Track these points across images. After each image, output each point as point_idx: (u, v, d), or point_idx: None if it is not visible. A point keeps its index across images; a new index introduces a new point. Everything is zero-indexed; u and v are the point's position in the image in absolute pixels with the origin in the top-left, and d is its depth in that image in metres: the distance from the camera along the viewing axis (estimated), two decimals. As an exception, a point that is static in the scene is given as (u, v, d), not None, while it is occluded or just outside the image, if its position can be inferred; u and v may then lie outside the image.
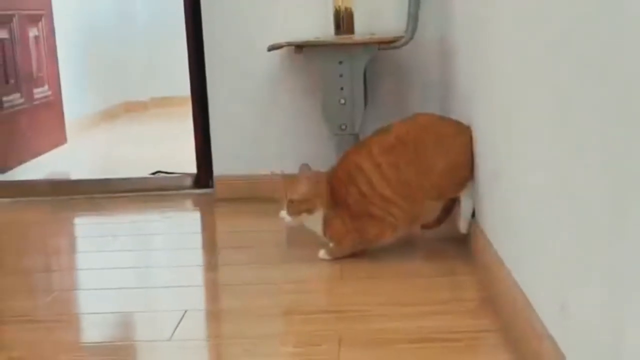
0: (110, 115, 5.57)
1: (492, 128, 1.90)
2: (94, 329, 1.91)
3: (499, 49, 1.78)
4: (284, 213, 2.18)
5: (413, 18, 2.67)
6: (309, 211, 2.18)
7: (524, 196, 1.54)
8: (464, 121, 2.19)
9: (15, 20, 3.90)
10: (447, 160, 2.13)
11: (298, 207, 2.17)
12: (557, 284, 1.31)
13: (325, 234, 2.21)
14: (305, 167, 2.20)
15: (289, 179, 2.20)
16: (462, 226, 2.20)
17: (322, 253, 2.22)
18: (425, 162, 2.13)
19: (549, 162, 1.34)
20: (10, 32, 3.83)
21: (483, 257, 1.97)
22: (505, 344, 1.60)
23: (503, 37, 1.73)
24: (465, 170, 2.14)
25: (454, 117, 2.28)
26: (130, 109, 5.86)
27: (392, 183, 2.13)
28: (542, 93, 1.38)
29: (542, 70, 1.37)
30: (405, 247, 2.24)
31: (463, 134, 2.15)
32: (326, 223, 2.20)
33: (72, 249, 2.72)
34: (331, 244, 2.22)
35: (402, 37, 2.69)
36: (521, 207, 1.58)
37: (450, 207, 2.28)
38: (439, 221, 2.32)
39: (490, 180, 1.95)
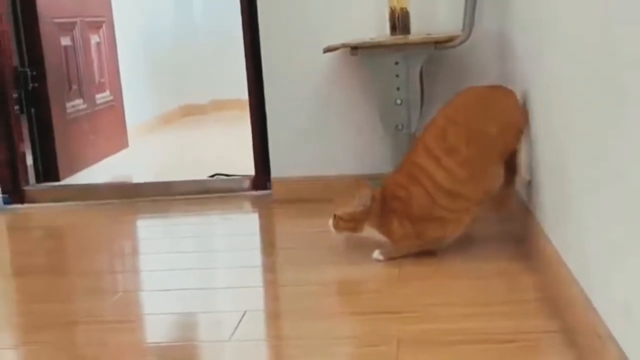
0: (170, 119, 5.66)
1: (552, 127, 1.88)
2: (156, 329, 1.95)
3: (558, 46, 1.76)
4: (330, 223, 2.22)
5: (470, 16, 2.65)
6: (353, 230, 2.21)
7: (588, 193, 1.52)
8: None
9: (77, 27, 4.00)
10: (499, 122, 2.15)
11: (343, 225, 2.22)
12: (622, 285, 1.28)
13: (382, 236, 2.22)
14: (359, 183, 2.22)
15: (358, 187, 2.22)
16: (525, 172, 2.18)
17: (376, 253, 2.22)
18: (480, 132, 2.14)
19: (613, 157, 1.32)
20: (73, 39, 3.93)
21: (542, 257, 1.95)
22: (566, 346, 1.57)
23: (563, 34, 1.71)
24: (518, 126, 2.16)
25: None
26: (190, 112, 5.94)
27: (455, 173, 2.13)
28: (601, 91, 1.36)
29: (603, 66, 1.35)
30: (462, 247, 2.22)
31: (508, 95, 2.19)
32: (382, 229, 2.21)
33: (135, 250, 2.78)
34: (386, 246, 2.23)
35: (458, 36, 2.67)
36: (585, 205, 1.55)
37: (513, 165, 2.25)
38: (508, 194, 2.30)
39: (550, 176, 1.93)
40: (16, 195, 3.35)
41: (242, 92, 3.33)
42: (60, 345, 1.82)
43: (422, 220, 2.18)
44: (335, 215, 2.22)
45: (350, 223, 2.21)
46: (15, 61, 3.42)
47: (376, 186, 2.25)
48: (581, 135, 1.54)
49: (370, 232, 2.22)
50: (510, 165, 2.24)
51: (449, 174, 2.13)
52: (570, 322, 1.61)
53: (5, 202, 3.32)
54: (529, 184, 2.17)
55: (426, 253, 2.21)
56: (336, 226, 2.22)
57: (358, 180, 2.27)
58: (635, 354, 1.20)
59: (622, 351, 1.25)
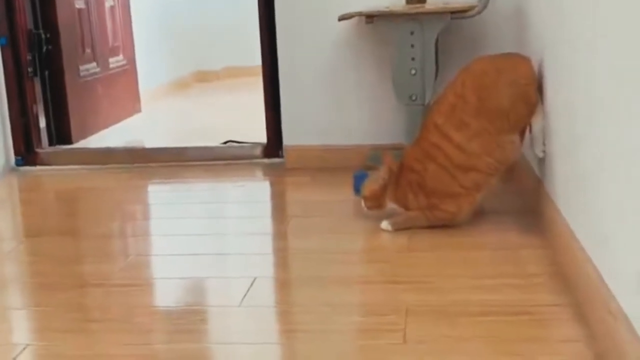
0: (183, 84, 5.65)
1: (570, 99, 1.86)
2: (166, 293, 1.96)
3: (578, 15, 1.73)
4: (362, 205, 2.26)
5: (487, -14, 2.61)
6: (379, 207, 2.24)
7: (603, 168, 1.51)
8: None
9: (91, -10, 3.98)
10: (510, 93, 2.10)
11: (370, 204, 2.25)
12: (633, 261, 1.28)
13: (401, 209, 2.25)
14: (385, 154, 2.24)
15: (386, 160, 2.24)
16: (537, 149, 2.15)
17: (384, 224, 2.22)
18: (491, 103, 2.11)
19: (632, 132, 1.31)
20: (87, 2, 3.92)
21: (552, 229, 1.94)
22: (576, 319, 1.57)
23: (583, 2, 1.68)
24: (531, 96, 2.11)
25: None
26: (203, 78, 5.93)
27: (466, 148, 2.12)
28: (625, 65, 1.34)
29: (626, 39, 1.33)
30: (473, 219, 2.22)
31: (521, 63, 2.14)
32: (399, 202, 2.23)
33: (146, 215, 2.79)
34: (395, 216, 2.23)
35: (475, 6, 2.64)
36: (599, 180, 1.54)
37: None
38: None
39: (564, 150, 1.91)
40: (29, 157, 3.36)
41: (255, 59, 3.31)
42: (70, 307, 1.83)
43: (436, 195, 2.18)
44: (363, 196, 2.25)
45: (374, 201, 2.23)
46: (30, 24, 3.41)
47: (397, 159, 2.26)
48: (599, 108, 1.52)
49: (391, 205, 2.23)
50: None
51: (460, 150, 2.13)
52: (580, 296, 1.60)
53: (18, 164, 3.33)
54: (542, 159, 2.15)
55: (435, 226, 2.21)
56: (366, 205, 2.26)
57: (384, 152, 2.28)
58: (644, 329, 1.20)
59: (632, 326, 1.25)
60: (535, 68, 2.14)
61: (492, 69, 2.17)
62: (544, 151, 2.12)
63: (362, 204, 2.27)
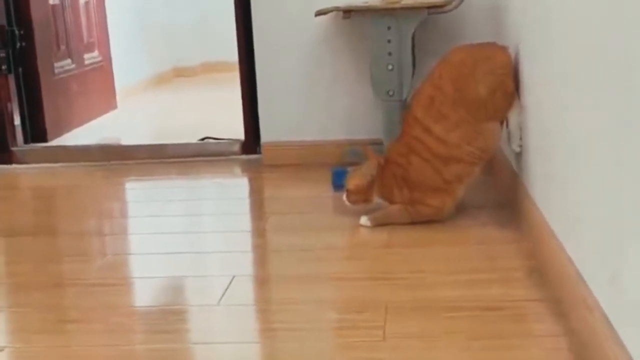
0: (160, 80, 5.61)
1: (546, 96, 1.87)
2: (144, 293, 1.95)
3: (554, 8, 1.74)
4: (344, 198, 2.25)
5: (463, -19, 2.62)
6: (365, 201, 2.23)
7: (578, 161, 1.51)
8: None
9: (65, -14, 3.94)
10: (487, 82, 2.10)
11: (354, 198, 2.24)
12: (609, 254, 1.29)
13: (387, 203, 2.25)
14: (367, 151, 2.24)
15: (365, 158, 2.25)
16: (514, 144, 2.16)
17: (364, 219, 2.22)
18: (469, 93, 2.11)
19: (605, 129, 1.32)
20: (61, -2, 3.88)
21: (531, 225, 1.95)
22: (553, 314, 1.58)
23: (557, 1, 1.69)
24: (508, 85, 2.11)
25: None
26: (180, 74, 5.89)
27: (446, 140, 2.12)
28: (601, 62, 1.35)
29: (602, 38, 1.34)
30: (452, 214, 2.22)
31: (499, 52, 2.14)
32: (384, 196, 2.23)
33: (124, 213, 2.77)
34: (375, 212, 2.23)
35: (452, 0, 2.64)
36: (574, 174, 1.55)
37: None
38: None
39: (540, 145, 1.92)
40: (4, 155, 3.32)
41: (233, 54, 3.29)
42: (46, 307, 1.81)
43: (420, 189, 2.18)
44: (347, 190, 2.23)
45: (360, 195, 2.23)
46: (3, 20, 3.37)
47: (379, 154, 2.26)
48: (574, 103, 1.53)
49: (377, 200, 2.23)
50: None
51: (441, 142, 2.13)
52: (558, 291, 1.61)
53: (-7, 163, 3.30)
54: (519, 153, 2.16)
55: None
56: (349, 199, 2.24)
57: (366, 148, 2.27)
58: (622, 323, 1.21)
59: (608, 320, 1.26)
60: (513, 57, 2.14)
61: (469, 59, 2.16)
62: (520, 146, 2.13)
63: (345, 198, 2.25)
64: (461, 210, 2.26)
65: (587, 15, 1.40)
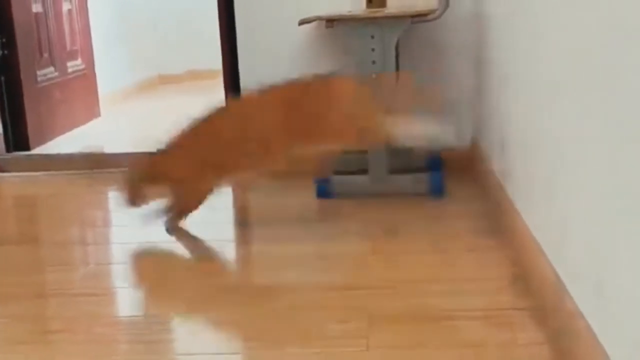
0: (144, 88, 5.59)
1: (530, 102, 1.88)
2: (128, 303, 1.94)
3: (538, 21, 1.75)
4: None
5: (446, -9, 2.63)
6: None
7: (561, 170, 1.52)
8: (500, 98, 2.16)
9: (48, -7, 3.92)
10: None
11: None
12: (592, 263, 1.29)
13: None
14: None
15: None
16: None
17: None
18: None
19: (589, 138, 1.33)
20: (44, 5, 3.85)
21: (514, 233, 1.96)
22: (536, 322, 1.59)
23: (542, 8, 1.70)
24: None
25: (488, 93, 2.26)
26: (164, 82, 5.87)
27: None
28: (584, 73, 1.36)
29: (586, 47, 1.35)
30: (434, 223, 2.23)
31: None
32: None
33: (106, 222, 2.75)
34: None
35: (435, 9, 2.65)
36: (556, 183, 1.56)
37: None
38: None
39: (523, 153, 1.93)
40: (-15, 164, 3.30)
41: (217, 63, 3.29)
42: (28, 318, 1.80)
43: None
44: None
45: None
46: (-15, 27, 3.35)
47: None
48: (558, 111, 1.54)
49: None
50: None
51: None
52: (541, 300, 1.62)
53: (-25, 172, 3.27)
54: (502, 161, 2.17)
55: (399, 229, 2.21)
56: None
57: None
58: (604, 331, 1.22)
59: (591, 330, 1.26)
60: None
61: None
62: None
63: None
64: (443, 219, 2.26)
65: (574, 22, 1.42)
